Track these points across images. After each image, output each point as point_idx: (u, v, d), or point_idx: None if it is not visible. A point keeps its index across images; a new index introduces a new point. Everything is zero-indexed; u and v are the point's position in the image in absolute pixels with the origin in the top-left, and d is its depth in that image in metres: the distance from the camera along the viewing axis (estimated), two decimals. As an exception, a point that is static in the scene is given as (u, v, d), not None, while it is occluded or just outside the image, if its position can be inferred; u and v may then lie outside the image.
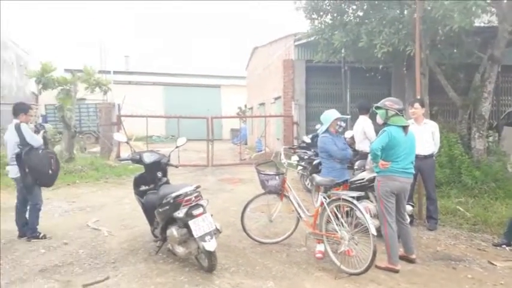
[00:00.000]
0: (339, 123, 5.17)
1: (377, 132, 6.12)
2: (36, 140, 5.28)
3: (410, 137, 4.36)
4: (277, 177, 5.00)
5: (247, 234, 5.10)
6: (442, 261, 4.65)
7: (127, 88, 22.53)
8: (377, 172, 4.37)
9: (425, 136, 5.68)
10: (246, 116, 20.70)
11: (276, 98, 14.56)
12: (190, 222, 4.06)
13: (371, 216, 4.43)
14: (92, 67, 12.45)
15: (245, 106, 24.43)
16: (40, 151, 5.28)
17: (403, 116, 4.32)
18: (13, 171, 5.28)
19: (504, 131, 9.53)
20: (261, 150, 14.99)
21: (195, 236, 4.01)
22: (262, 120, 15.76)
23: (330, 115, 4.97)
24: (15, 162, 5.19)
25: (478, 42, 9.09)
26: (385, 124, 4.33)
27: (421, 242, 5.31)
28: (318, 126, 10.04)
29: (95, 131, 20.54)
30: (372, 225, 3.93)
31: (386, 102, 4.36)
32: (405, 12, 9.13)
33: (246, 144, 20.15)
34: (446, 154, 7.70)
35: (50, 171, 5.31)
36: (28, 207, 5.38)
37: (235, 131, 24.87)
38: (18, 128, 5.18)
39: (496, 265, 4.54)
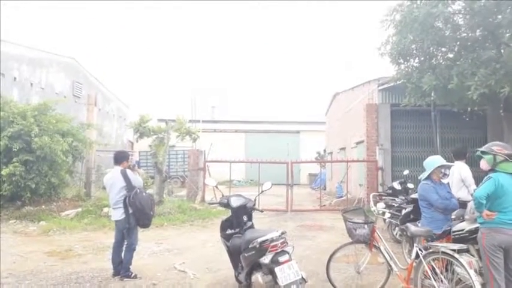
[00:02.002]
0: (443, 170, 4.86)
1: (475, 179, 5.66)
2: (139, 181, 5.80)
3: None
4: (366, 225, 4.77)
5: (333, 286, 4.86)
6: None
7: (212, 136, 23.96)
8: (481, 223, 3.97)
9: None
10: (327, 161, 20.45)
11: (358, 143, 14.25)
12: (277, 269, 3.99)
13: (475, 273, 3.98)
14: (184, 117, 13.48)
15: (324, 151, 24.25)
16: (143, 194, 5.72)
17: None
18: (117, 213, 5.67)
19: None
20: (342, 196, 14.58)
21: (281, 284, 3.92)
22: (342, 165, 15.43)
23: (433, 161, 4.75)
24: (120, 205, 5.61)
25: None
26: (490, 170, 3.98)
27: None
28: (406, 171, 9.60)
29: (182, 176, 21.81)
30: (477, 282, 3.55)
31: (494, 147, 4.01)
32: (502, 51, 8.59)
33: (325, 189, 19.77)
34: None
35: (151, 213, 5.71)
36: (124, 247, 5.74)
37: (313, 176, 24.67)
38: (124, 174, 5.68)
39: None
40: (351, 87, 16.21)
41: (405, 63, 10.06)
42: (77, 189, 12.80)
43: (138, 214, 5.54)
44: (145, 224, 5.76)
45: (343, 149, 17.55)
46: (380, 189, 11.34)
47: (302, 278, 4.07)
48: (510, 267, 3.92)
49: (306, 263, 6.22)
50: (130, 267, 5.66)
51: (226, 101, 59.41)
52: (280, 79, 71.56)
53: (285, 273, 3.98)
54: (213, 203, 5.73)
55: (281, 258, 4.06)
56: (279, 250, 4.12)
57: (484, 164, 4.09)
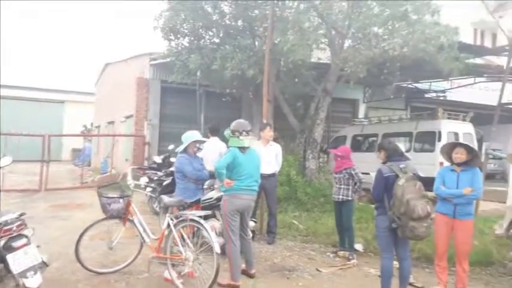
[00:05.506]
0: (197, 145, 5.17)
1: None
2: None
3: (254, 156, 4.55)
4: (121, 200, 4.67)
5: (82, 265, 4.58)
6: (278, 273, 4.98)
7: None
8: (223, 191, 4.45)
9: (269, 157, 6.10)
10: (91, 135, 19.08)
11: (127, 117, 13.89)
12: (8, 257, 3.45)
13: (216, 235, 4.47)
14: None
15: (91, 124, 22.60)
16: None
17: (242, 136, 4.41)
18: None
19: (331, 154, 11.05)
20: (106, 172, 13.95)
21: (14, 272, 3.43)
22: (109, 140, 14.79)
23: (190, 136, 4.99)
24: None
25: (314, 76, 10.39)
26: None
27: (260, 255, 5.60)
28: (171, 146, 9.92)
29: None
30: (216, 243, 3.95)
31: (232, 124, 4.52)
32: (256, 42, 9.91)
33: (89, 165, 18.46)
34: (285, 173, 8.45)
35: None
36: None
37: (77, 151, 22.53)
38: None
39: (322, 271, 5.09)
40: (123, 59, 15.54)
41: (176, 40, 10.34)
42: None
43: None
44: None
45: (111, 122, 16.81)
46: (146, 163, 11.43)
47: (43, 261, 3.64)
48: (245, 227, 4.56)
49: (55, 244, 5.66)
50: None
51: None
52: (44, 41, 61.89)
53: (19, 260, 3.50)
54: None
55: (15, 244, 3.55)
56: (15, 234, 3.59)
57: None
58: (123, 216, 4.67)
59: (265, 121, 7.01)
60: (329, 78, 9.64)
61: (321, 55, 10.28)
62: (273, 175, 6.27)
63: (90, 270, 4.60)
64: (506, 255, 5.43)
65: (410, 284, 4.42)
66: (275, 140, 6.65)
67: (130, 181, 5.08)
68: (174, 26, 9.86)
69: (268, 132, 6.24)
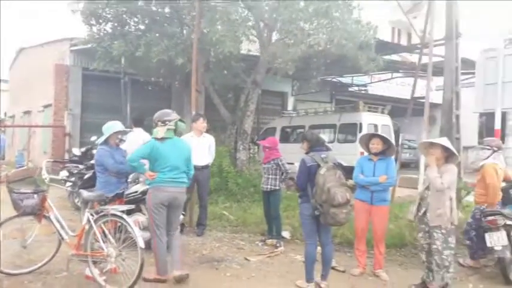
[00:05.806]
0: (119, 136, 4.95)
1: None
2: None
3: (180, 147, 4.37)
4: (35, 195, 4.31)
5: (-10, 268, 4.17)
6: (207, 264, 4.97)
7: None
8: (148, 184, 4.31)
9: (203, 148, 6.04)
10: (4, 125, 17.45)
11: (46, 106, 12.91)
12: None
13: (141, 229, 4.32)
14: None
15: (5, 114, 20.62)
16: None
17: (158, 127, 4.23)
18: None
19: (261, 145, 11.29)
20: (22, 166, 12.86)
21: None
22: (25, 131, 13.66)
23: (111, 127, 4.73)
24: None
25: (244, 68, 10.44)
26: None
27: (189, 248, 5.55)
28: (93, 138, 9.36)
29: None
30: (140, 238, 3.82)
31: (156, 114, 4.32)
32: (184, 31, 9.68)
33: (3, 159, 16.86)
34: (217, 164, 8.44)
35: None
36: None
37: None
38: None
39: (250, 260, 5.17)
40: (40, 44, 14.38)
41: (98, 26, 9.75)
42: None
43: None
44: None
45: (28, 112, 15.52)
46: (67, 156, 10.73)
47: None
48: (171, 222, 4.35)
49: (-41, 247, 5.07)
50: None
51: None
52: None
53: None
54: None
55: None
56: None
57: None
58: (38, 212, 4.32)
59: (194, 112, 6.90)
60: (258, 70, 9.75)
61: (251, 47, 10.34)
62: (206, 167, 6.22)
63: (1, 272, 4.22)
64: (416, 237, 5.94)
65: (333, 268, 4.64)
66: (207, 131, 6.58)
67: (45, 175, 4.72)
68: (96, 10, 9.27)
69: (202, 124, 6.15)
